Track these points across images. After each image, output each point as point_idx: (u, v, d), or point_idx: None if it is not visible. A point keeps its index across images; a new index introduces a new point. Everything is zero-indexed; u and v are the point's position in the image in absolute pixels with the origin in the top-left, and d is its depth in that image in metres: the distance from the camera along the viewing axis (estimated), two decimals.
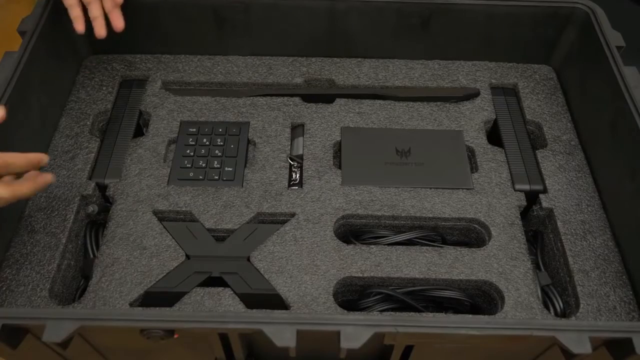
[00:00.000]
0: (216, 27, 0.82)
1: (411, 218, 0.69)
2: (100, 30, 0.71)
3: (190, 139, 0.75)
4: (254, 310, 0.61)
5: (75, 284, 0.68)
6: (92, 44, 0.84)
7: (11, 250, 0.65)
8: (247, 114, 0.79)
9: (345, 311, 0.61)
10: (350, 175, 0.72)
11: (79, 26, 0.71)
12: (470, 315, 0.62)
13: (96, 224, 0.71)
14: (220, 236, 0.67)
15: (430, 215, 0.69)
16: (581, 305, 0.62)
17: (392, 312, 0.64)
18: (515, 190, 0.72)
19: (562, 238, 0.67)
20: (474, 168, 0.75)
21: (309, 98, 0.81)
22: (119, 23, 0.72)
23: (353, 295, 0.67)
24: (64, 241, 0.65)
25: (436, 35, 0.83)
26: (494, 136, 0.79)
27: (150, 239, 0.66)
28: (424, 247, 0.66)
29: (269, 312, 0.58)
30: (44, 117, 0.74)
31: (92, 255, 0.68)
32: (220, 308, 0.61)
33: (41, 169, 0.62)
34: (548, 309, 0.63)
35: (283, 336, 0.49)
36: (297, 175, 0.74)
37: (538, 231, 0.73)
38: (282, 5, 0.79)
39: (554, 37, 0.83)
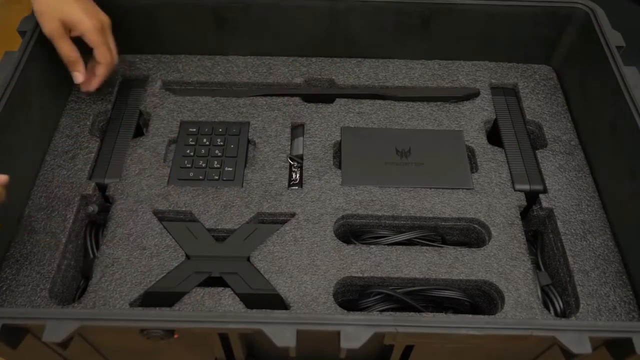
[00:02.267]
0: (216, 27, 0.82)
1: (411, 218, 0.69)
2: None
3: (190, 139, 0.75)
4: (254, 310, 0.61)
5: (75, 284, 0.68)
6: None
7: (11, 250, 0.65)
8: (247, 114, 0.79)
9: (345, 311, 0.61)
10: (350, 175, 0.72)
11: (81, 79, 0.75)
12: (470, 315, 0.62)
13: (96, 224, 0.71)
14: (220, 236, 0.67)
15: (430, 215, 0.69)
16: (581, 305, 0.62)
17: (392, 312, 0.64)
18: (515, 190, 0.72)
19: (562, 238, 0.67)
20: (474, 168, 0.75)
21: (309, 98, 0.81)
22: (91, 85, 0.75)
23: (353, 295, 0.67)
24: (64, 241, 0.65)
25: (436, 35, 0.83)
26: (494, 136, 0.79)
27: (150, 239, 0.66)
28: (424, 247, 0.66)
29: (269, 312, 0.58)
30: (44, 117, 0.74)
31: (92, 255, 0.68)
32: (220, 308, 0.61)
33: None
34: (548, 309, 0.63)
35: (283, 336, 0.49)
36: (297, 175, 0.74)
37: (538, 231, 0.73)
38: (282, 5, 0.79)
39: (554, 37, 0.83)
